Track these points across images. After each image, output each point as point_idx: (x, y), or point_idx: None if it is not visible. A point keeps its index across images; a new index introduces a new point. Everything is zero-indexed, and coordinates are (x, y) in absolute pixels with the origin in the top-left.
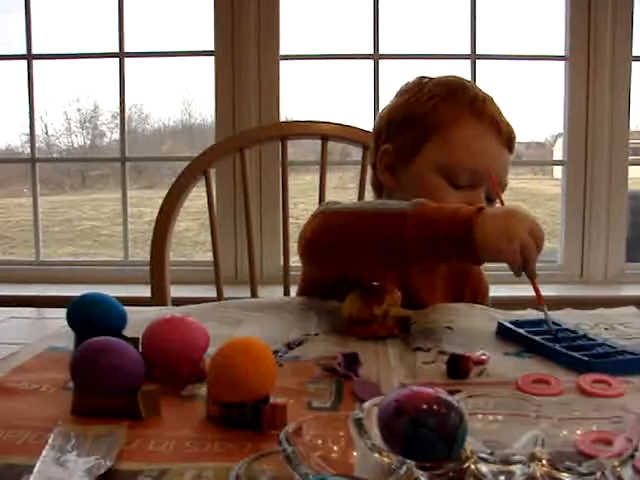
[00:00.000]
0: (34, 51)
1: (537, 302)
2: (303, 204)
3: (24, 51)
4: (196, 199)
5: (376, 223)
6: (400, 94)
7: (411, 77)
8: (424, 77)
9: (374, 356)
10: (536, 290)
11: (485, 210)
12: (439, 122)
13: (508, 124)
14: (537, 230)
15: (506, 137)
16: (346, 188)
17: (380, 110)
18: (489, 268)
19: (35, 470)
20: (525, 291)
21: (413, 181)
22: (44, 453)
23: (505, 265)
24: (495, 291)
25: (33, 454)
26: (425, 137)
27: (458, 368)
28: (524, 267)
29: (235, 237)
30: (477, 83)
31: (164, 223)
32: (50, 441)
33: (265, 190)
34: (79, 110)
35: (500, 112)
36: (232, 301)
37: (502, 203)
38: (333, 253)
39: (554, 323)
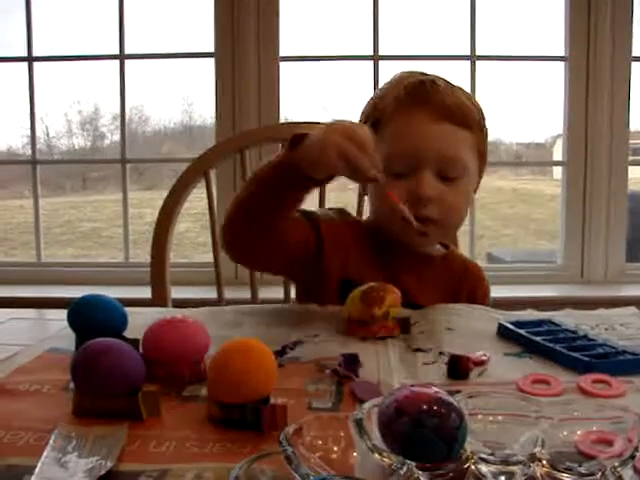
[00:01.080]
0: (35, 53)
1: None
2: (303, 206)
3: (25, 53)
4: (197, 200)
5: (249, 184)
6: None
7: None
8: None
9: (374, 357)
10: (390, 194)
11: (309, 134)
12: (379, 118)
13: (449, 98)
14: (354, 132)
15: (445, 111)
16: (346, 190)
17: None
18: (488, 269)
19: (36, 471)
20: (525, 292)
21: None
22: (45, 454)
23: (505, 266)
24: (495, 292)
25: (34, 455)
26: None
27: (458, 369)
28: (357, 171)
29: None
30: (477, 84)
31: (164, 224)
32: (51, 442)
33: None
34: (80, 112)
35: (439, 90)
36: (232, 306)
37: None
38: (238, 229)
39: (553, 324)
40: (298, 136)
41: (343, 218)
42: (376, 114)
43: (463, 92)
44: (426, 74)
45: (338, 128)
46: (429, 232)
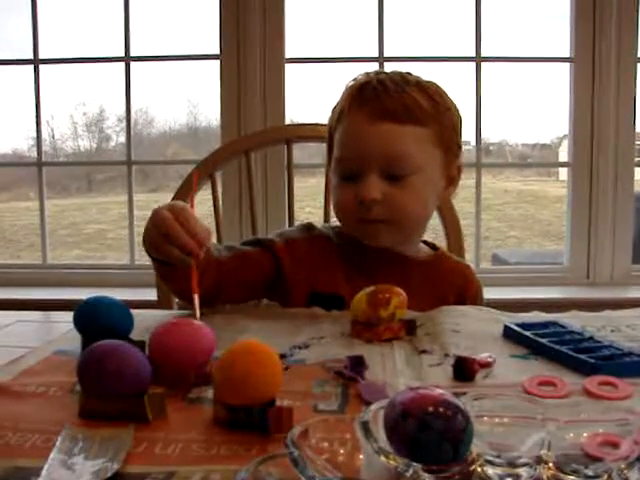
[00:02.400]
0: (41, 56)
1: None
2: (309, 207)
3: (31, 56)
4: (203, 203)
5: None
6: None
7: None
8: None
9: (380, 359)
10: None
11: None
12: (331, 126)
13: (394, 95)
14: (153, 220)
15: (385, 110)
16: None
17: None
18: (493, 270)
19: (43, 473)
20: (531, 293)
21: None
22: (51, 456)
23: (511, 268)
24: (500, 293)
25: (40, 457)
26: (329, 141)
27: (464, 371)
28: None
29: (240, 240)
30: (482, 85)
31: None
32: (57, 444)
33: (271, 193)
34: (85, 114)
35: (384, 89)
36: (237, 309)
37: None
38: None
39: (559, 325)
40: None
41: (308, 234)
42: (331, 121)
43: (422, 87)
44: (381, 73)
45: (148, 222)
46: (381, 232)
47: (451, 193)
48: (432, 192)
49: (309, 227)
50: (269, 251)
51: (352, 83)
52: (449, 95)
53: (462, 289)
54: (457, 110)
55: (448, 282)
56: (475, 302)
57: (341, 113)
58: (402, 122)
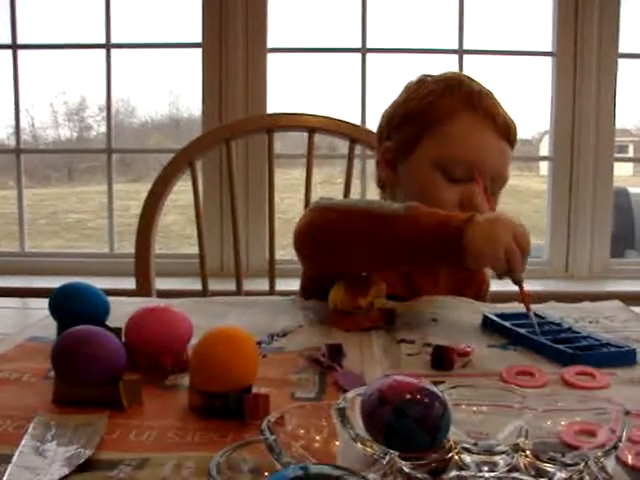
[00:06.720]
0: (19, 41)
1: (525, 308)
2: (290, 199)
3: (9, 41)
4: (183, 192)
5: (368, 222)
6: (402, 93)
7: (414, 76)
8: (427, 75)
9: (358, 347)
10: (523, 297)
11: (475, 217)
12: (435, 117)
13: (505, 116)
14: (521, 235)
15: (503, 130)
16: (333, 183)
17: (383, 109)
18: None
19: (14, 459)
20: (510, 286)
21: (412, 176)
22: (23, 442)
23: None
24: None
25: (12, 443)
26: (422, 132)
27: (442, 360)
28: (510, 272)
29: (221, 230)
30: None
31: (149, 214)
32: (30, 430)
33: (252, 183)
34: (65, 102)
35: (497, 105)
36: (216, 297)
37: (488, 199)
38: (324, 248)
39: (538, 316)
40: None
41: None
42: (433, 113)
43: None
44: (473, 81)
45: (509, 228)
46: None
47: None
48: None
49: None
50: None
51: (464, 86)
52: None
53: (479, 287)
54: None
55: (468, 281)
56: (485, 299)
57: (448, 111)
58: (511, 144)
